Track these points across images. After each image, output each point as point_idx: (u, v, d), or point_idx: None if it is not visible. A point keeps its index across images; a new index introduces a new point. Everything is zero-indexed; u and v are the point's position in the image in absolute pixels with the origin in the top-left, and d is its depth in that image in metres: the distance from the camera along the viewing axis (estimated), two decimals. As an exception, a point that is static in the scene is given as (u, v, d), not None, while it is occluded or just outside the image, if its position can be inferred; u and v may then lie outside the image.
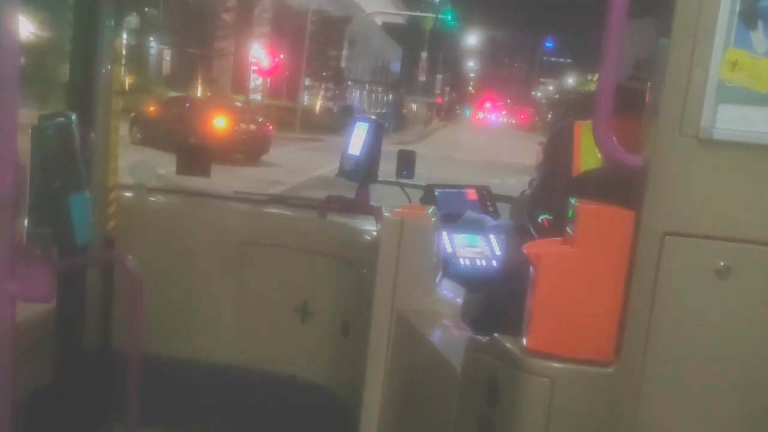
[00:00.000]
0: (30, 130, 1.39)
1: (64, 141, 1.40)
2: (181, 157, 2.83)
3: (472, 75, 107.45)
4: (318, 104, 39.79)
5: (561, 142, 1.89)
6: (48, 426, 2.24)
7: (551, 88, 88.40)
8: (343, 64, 42.55)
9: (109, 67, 2.46)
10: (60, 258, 1.50)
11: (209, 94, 31.56)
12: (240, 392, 2.73)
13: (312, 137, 26.55)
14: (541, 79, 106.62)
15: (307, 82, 39.71)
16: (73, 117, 1.46)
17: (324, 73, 40.42)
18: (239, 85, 33.77)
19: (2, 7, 1.29)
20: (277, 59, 31.04)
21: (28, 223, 1.40)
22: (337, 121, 30.33)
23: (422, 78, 55.27)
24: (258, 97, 35.09)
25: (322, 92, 41.18)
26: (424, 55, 54.30)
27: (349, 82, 51.67)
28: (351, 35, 43.34)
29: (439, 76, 70.50)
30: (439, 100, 75.73)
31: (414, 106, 62.47)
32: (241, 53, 32.30)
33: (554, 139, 2.00)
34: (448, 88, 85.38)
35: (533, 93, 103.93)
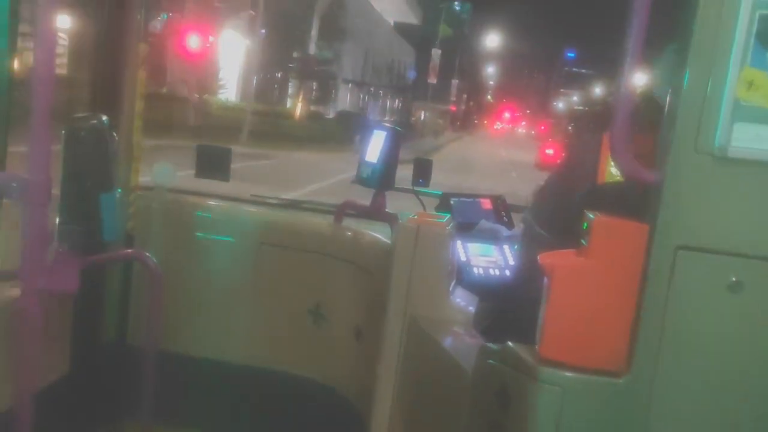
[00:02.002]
0: (63, 132, 1.43)
1: (96, 142, 1.44)
2: (201, 160, 2.87)
3: (491, 83, 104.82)
4: (298, 108, 31.75)
5: (586, 153, 1.89)
6: (62, 418, 2.27)
7: (575, 98, 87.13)
8: (313, 50, 34.22)
9: (136, 70, 2.51)
10: (84, 255, 1.54)
11: (164, 91, 24.50)
12: (251, 392, 2.75)
13: (260, 152, 18.92)
14: (562, 90, 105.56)
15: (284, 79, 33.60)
16: (105, 119, 1.50)
17: (315, 69, 33.06)
18: (206, 81, 26.59)
19: (39, 16, 1.33)
20: (210, 39, 23.72)
21: (59, 220, 1.44)
22: (332, 131, 26.29)
23: (433, 80, 47.11)
24: (229, 97, 28.63)
25: (303, 93, 33.32)
26: (436, 52, 46.19)
27: (350, 85, 45.04)
28: (346, 26, 36.42)
29: (454, 82, 62.97)
30: (452, 108, 67.93)
31: (424, 114, 54.92)
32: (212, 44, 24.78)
33: (578, 149, 2.01)
34: (465, 96, 79.62)
35: (554, 104, 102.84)
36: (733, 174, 1.22)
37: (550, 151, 33.65)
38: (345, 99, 44.65)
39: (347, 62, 42.20)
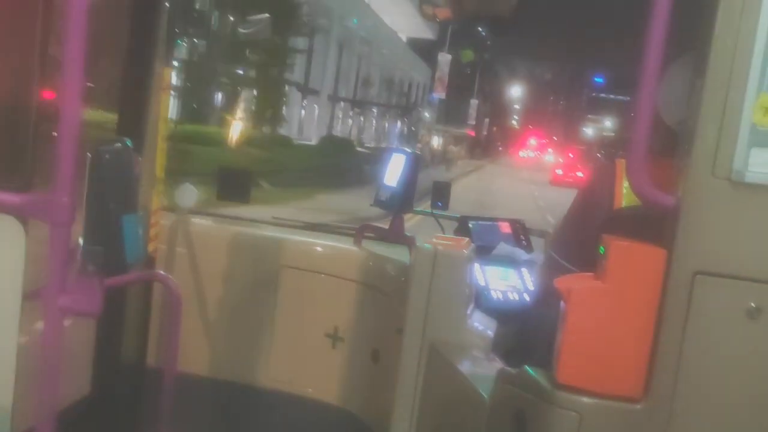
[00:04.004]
0: (89, 155, 1.47)
1: (120, 165, 1.49)
2: (222, 183, 2.91)
3: (516, 107, 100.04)
4: (234, 129, 20.05)
5: (601, 179, 1.89)
6: None
7: (608, 123, 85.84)
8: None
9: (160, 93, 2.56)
10: (107, 276, 1.57)
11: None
12: (269, 415, 2.75)
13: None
14: (590, 116, 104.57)
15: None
16: (129, 142, 1.54)
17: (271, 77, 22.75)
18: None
19: (67, 36, 1.37)
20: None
21: (83, 241, 1.47)
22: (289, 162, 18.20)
23: (440, 94, 35.72)
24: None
25: (242, 105, 21.43)
26: (443, 57, 34.72)
27: (342, 103, 37.14)
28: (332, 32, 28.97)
29: (473, 101, 51.92)
30: (471, 132, 56.52)
31: (438, 140, 46.31)
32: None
33: (594, 176, 2.01)
34: (487, 120, 71.58)
35: (584, 130, 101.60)
36: (750, 199, 1.22)
37: (559, 171, 43.32)
38: (330, 120, 35.30)
39: (341, 78, 35.16)
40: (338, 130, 37.12)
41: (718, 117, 1.21)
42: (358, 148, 31.83)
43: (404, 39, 47.02)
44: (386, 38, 42.07)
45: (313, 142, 29.28)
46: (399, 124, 47.97)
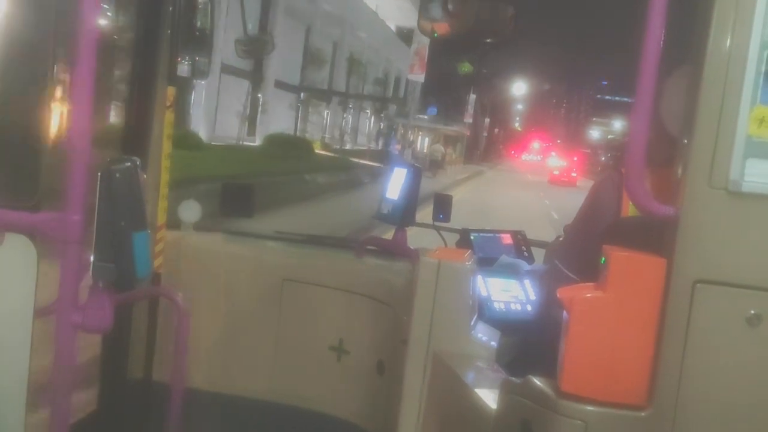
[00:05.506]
0: (99, 174, 1.50)
1: (129, 183, 1.52)
2: (225, 197, 2.93)
3: (519, 107, 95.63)
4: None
5: (607, 189, 1.90)
6: None
7: (618, 125, 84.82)
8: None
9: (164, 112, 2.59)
10: (117, 292, 1.60)
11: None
12: (275, 429, 2.76)
13: None
14: (594, 119, 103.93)
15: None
16: (138, 161, 1.58)
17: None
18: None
19: (77, 55, 1.40)
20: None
21: (94, 258, 1.50)
22: None
23: (418, 75, 26.81)
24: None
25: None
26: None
27: (303, 94, 29.51)
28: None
29: (472, 96, 44.33)
30: (467, 132, 48.28)
31: (423, 141, 39.39)
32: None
33: (600, 185, 2.02)
34: (487, 120, 65.09)
35: (589, 132, 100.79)
36: (747, 208, 1.24)
37: (556, 172, 45.58)
38: (282, 112, 27.81)
39: (296, 64, 28.38)
40: (302, 129, 30.66)
41: (714, 129, 1.23)
42: (319, 151, 25.24)
43: (393, 28, 41.07)
44: (365, 20, 35.11)
45: (258, 141, 23.37)
46: (374, 120, 40.42)
